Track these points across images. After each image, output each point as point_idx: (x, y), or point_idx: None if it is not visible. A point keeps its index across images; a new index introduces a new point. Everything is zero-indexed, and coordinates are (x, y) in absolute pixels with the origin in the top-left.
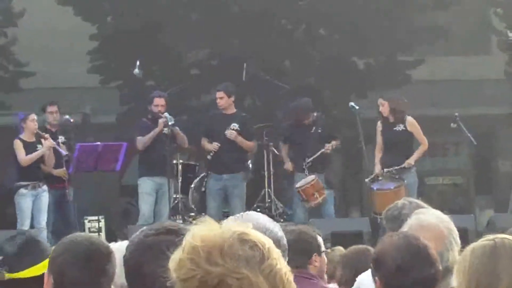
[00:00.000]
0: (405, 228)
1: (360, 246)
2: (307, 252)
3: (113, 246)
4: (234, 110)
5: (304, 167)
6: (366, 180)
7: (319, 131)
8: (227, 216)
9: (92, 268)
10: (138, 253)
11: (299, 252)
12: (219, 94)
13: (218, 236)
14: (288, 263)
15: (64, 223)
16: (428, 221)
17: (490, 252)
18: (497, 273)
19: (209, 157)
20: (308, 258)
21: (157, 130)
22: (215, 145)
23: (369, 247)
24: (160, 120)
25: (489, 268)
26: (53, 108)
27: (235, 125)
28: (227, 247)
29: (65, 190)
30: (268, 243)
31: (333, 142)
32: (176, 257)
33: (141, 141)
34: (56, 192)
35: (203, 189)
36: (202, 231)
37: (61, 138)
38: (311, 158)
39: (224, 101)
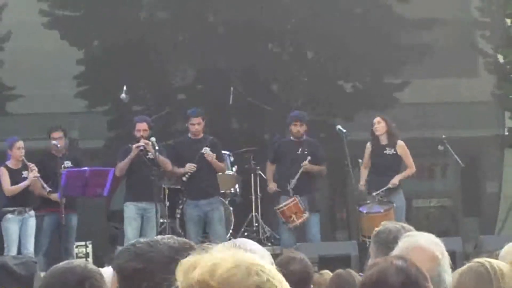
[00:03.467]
0: (396, 250)
1: (342, 270)
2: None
3: (103, 270)
4: (202, 135)
5: (288, 188)
6: (355, 192)
7: (306, 152)
8: (207, 239)
9: None
10: (160, 265)
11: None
12: (197, 120)
13: (236, 282)
14: None
15: (59, 249)
16: (421, 243)
17: (481, 276)
18: None
19: (184, 178)
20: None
21: (131, 155)
22: (190, 166)
23: (351, 271)
24: (134, 145)
25: None
26: (58, 134)
27: (206, 149)
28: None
29: (62, 214)
30: (278, 276)
31: (309, 159)
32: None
33: (118, 167)
34: (53, 216)
35: (178, 215)
36: (220, 267)
37: (67, 163)
38: (294, 179)
39: (201, 126)
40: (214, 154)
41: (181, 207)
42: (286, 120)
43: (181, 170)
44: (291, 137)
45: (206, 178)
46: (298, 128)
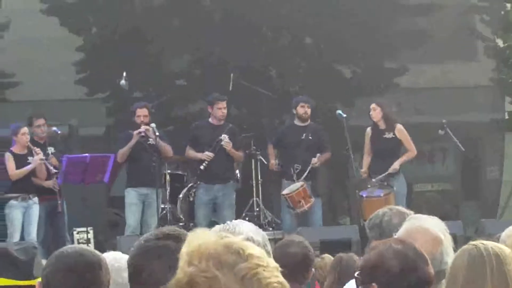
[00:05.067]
0: (400, 232)
1: (343, 254)
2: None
3: (106, 255)
4: (222, 122)
5: (293, 173)
6: (355, 176)
7: (310, 138)
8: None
9: (82, 279)
10: (139, 257)
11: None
12: (224, 104)
13: (204, 243)
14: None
15: (54, 235)
16: (425, 225)
17: (473, 258)
18: (481, 279)
19: (202, 167)
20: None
21: (132, 142)
22: (209, 154)
23: (352, 254)
24: (135, 132)
25: (472, 274)
26: (40, 121)
27: (225, 136)
28: (207, 251)
29: (57, 202)
30: (252, 249)
31: (318, 155)
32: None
33: (119, 153)
34: (48, 204)
35: (191, 198)
36: (194, 238)
37: (50, 149)
38: (304, 174)
39: (226, 111)
40: (231, 143)
41: (184, 191)
42: (291, 104)
43: (198, 155)
44: (295, 122)
45: (223, 163)
46: (305, 109)
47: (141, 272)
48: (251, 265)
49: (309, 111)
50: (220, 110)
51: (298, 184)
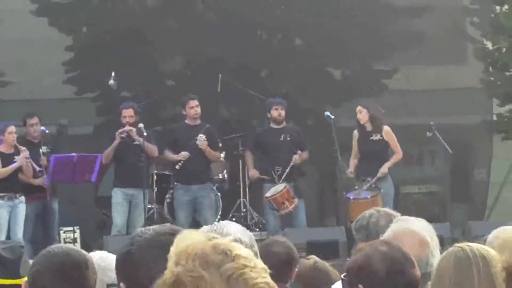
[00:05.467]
0: (388, 233)
1: (313, 260)
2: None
3: (93, 254)
4: (199, 121)
5: (274, 176)
6: (346, 171)
7: (288, 138)
8: (199, 226)
9: (69, 279)
10: (148, 250)
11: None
12: (196, 102)
13: (192, 243)
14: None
15: (44, 234)
16: (412, 227)
17: (460, 260)
18: (468, 280)
19: (177, 167)
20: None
21: (115, 143)
22: (184, 154)
23: (321, 263)
24: (117, 132)
25: (459, 276)
26: (34, 120)
27: (202, 136)
28: (194, 251)
29: (46, 200)
30: (239, 250)
31: (299, 153)
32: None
33: (104, 154)
34: (38, 203)
35: (168, 200)
36: (183, 239)
37: (43, 148)
38: (284, 174)
39: (199, 109)
40: (206, 142)
41: (171, 191)
42: (265, 107)
43: (174, 157)
44: (271, 125)
45: (199, 164)
46: (279, 111)
47: (140, 268)
48: (237, 265)
49: (283, 113)
50: (193, 108)
51: (281, 186)
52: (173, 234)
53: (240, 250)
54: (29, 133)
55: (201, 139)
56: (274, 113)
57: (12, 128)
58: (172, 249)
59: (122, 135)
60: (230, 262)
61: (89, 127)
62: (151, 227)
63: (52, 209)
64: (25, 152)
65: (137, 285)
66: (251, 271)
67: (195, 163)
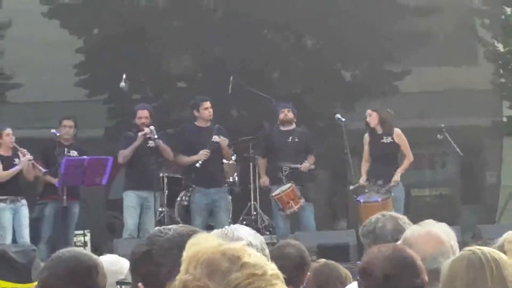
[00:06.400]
0: (405, 235)
1: (323, 260)
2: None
3: (103, 258)
4: (209, 123)
5: (281, 176)
6: (351, 187)
7: (296, 140)
8: (212, 229)
9: (79, 284)
10: (169, 251)
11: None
12: (209, 104)
13: (203, 249)
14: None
15: (61, 236)
16: (430, 229)
17: (472, 263)
18: (474, 284)
19: (198, 165)
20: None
21: (136, 143)
22: (205, 152)
23: (331, 262)
24: (139, 133)
25: (472, 278)
26: (69, 122)
27: (216, 137)
28: (203, 257)
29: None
30: (249, 257)
31: (307, 160)
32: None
33: (121, 154)
34: (55, 204)
35: (185, 203)
36: (195, 243)
37: (73, 153)
38: (288, 171)
39: (211, 110)
40: (227, 139)
41: (182, 194)
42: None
43: (194, 157)
44: (280, 127)
45: (216, 166)
46: (285, 113)
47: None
48: (243, 275)
49: (290, 114)
50: (207, 110)
51: (286, 185)
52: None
53: (250, 257)
54: (60, 135)
55: (220, 138)
56: (281, 115)
57: (8, 131)
58: (185, 253)
59: (149, 135)
60: (237, 271)
61: (99, 130)
62: (169, 226)
63: (72, 211)
64: (27, 155)
65: (157, 285)
66: (259, 279)
67: (212, 165)
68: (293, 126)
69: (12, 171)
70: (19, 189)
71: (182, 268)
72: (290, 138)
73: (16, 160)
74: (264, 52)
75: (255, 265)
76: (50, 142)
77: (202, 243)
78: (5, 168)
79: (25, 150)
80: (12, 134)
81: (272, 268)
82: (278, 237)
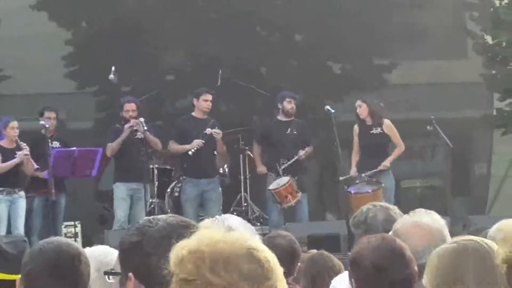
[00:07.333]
0: (396, 225)
1: (316, 251)
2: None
3: (95, 249)
4: (206, 116)
5: (278, 169)
6: (340, 178)
7: (295, 132)
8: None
9: (63, 274)
10: (160, 241)
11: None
12: (210, 97)
13: (227, 247)
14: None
15: (51, 229)
16: (421, 219)
17: (453, 254)
18: (459, 275)
19: (190, 153)
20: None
21: (123, 135)
22: (199, 142)
23: (325, 252)
24: (126, 126)
25: (451, 270)
26: (50, 114)
27: (209, 130)
28: (233, 260)
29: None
30: (273, 261)
31: (307, 149)
32: (179, 253)
33: (109, 147)
34: (43, 197)
35: (176, 194)
36: (210, 236)
37: (55, 144)
38: (286, 164)
39: (210, 105)
40: (221, 132)
41: (173, 185)
42: (276, 98)
43: (187, 146)
44: (279, 117)
45: (208, 157)
46: (292, 105)
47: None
48: (274, 282)
49: (294, 106)
50: (206, 102)
51: (284, 179)
52: (185, 226)
53: (273, 259)
54: (41, 127)
55: (214, 130)
56: (287, 105)
57: (14, 123)
58: (204, 248)
59: (135, 128)
60: (268, 279)
61: (88, 122)
62: (159, 216)
63: (59, 204)
64: (25, 150)
65: (148, 274)
66: (278, 283)
67: (204, 156)
68: (293, 118)
69: (9, 164)
70: (18, 181)
71: (206, 267)
72: (289, 129)
73: (18, 153)
74: (253, 47)
75: (278, 269)
76: (38, 134)
77: (225, 242)
78: (5, 161)
79: (25, 144)
80: (16, 128)
81: (280, 269)
82: (271, 228)
